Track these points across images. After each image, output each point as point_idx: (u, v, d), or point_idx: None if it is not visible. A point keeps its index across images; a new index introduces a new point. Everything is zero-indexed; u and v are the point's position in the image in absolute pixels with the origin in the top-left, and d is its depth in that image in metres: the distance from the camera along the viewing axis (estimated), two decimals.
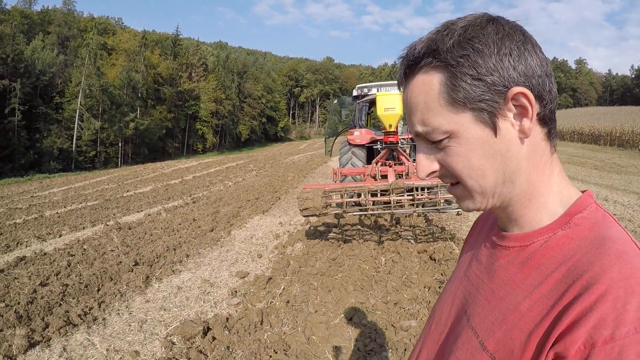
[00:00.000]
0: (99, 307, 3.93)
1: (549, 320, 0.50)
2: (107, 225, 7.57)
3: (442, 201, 4.93)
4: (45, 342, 3.27)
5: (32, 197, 13.65)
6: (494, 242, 0.65)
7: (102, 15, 57.51)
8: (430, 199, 5.02)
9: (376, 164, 6.44)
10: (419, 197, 4.98)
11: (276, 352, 3.10)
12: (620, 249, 0.50)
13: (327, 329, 3.47)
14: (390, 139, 6.43)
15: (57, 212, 9.60)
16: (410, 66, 0.59)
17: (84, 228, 7.60)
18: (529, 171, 0.57)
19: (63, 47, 42.04)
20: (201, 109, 52.70)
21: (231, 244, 6.24)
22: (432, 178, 0.62)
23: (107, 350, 3.20)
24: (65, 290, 4.17)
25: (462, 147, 0.57)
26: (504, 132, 0.56)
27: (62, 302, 3.92)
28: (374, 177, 6.11)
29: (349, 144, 7.58)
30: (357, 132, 7.72)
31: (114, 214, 8.98)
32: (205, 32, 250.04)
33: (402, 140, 6.65)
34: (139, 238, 6.51)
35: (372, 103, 8.48)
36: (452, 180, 0.61)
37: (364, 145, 7.53)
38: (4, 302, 3.86)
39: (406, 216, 7.24)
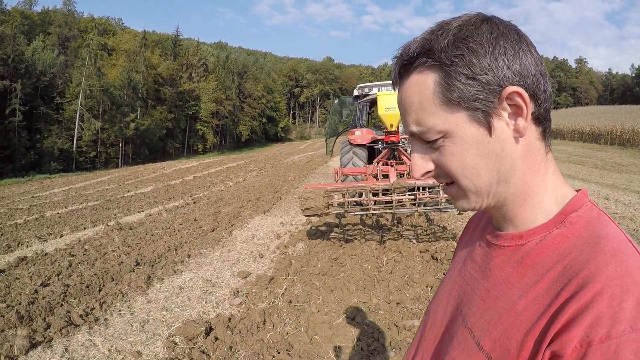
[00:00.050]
0: (101, 307, 3.92)
1: (545, 319, 0.50)
2: (108, 225, 7.56)
3: (443, 200, 4.92)
4: (46, 342, 3.26)
5: (32, 197, 13.64)
6: (488, 241, 0.65)
7: (102, 16, 57.58)
8: (431, 199, 5.01)
9: (377, 163, 6.43)
10: (421, 196, 4.97)
11: (279, 352, 3.09)
12: (616, 248, 0.50)
13: (329, 329, 3.46)
14: (392, 139, 6.42)
15: (58, 213, 9.59)
16: (404, 66, 0.59)
17: (85, 228, 7.59)
18: (523, 170, 0.57)
19: (63, 47, 42.06)
20: (201, 110, 52.72)
21: (232, 244, 6.23)
22: (428, 178, 0.62)
23: (109, 350, 3.19)
24: (67, 290, 4.17)
25: (457, 146, 0.56)
26: (499, 132, 0.56)
27: (63, 303, 3.91)
28: (376, 177, 6.10)
29: (350, 143, 7.57)
30: (358, 132, 7.71)
31: (115, 214, 8.98)
32: (205, 33, 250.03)
33: (403, 139, 6.64)
34: (140, 238, 6.50)
35: (373, 103, 8.47)
36: (447, 180, 0.60)
37: (365, 145, 7.53)
38: (5, 302, 3.85)
39: (407, 216, 7.22)
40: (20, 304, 3.76)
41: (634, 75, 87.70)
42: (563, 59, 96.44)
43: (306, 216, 5.09)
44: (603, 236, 0.52)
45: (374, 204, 5.19)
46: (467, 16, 0.57)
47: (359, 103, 8.66)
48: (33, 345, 3.19)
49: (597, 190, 9.81)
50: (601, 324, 0.44)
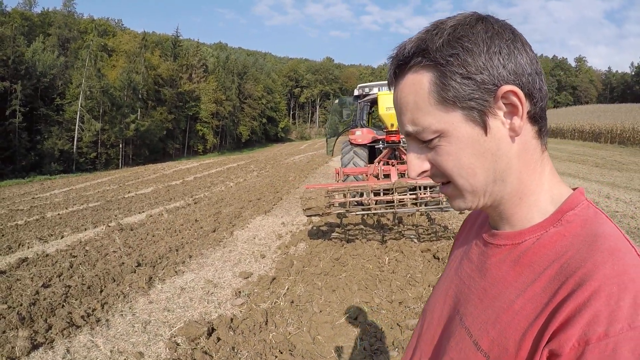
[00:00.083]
0: (102, 308, 3.91)
1: (543, 318, 0.49)
2: (109, 226, 7.56)
3: (444, 200, 4.91)
4: (48, 343, 3.25)
5: (33, 198, 13.64)
6: (485, 240, 0.65)
7: (102, 17, 57.55)
8: (433, 198, 5.00)
9: (379, 163, 6.42)
10: (422, 195, 4.96)
11: (282, 353, 3.08)
12: (613, 246, 0.50)
13: (332, 329, 3.45)
14: (392, 138, 6.42)
15: (59, 214, 9.59)
16: (400, 66, 0.59)
17: (85, 229, 7.59)
18: (519, 169, 0.57)
19: (63, 48, 42.06)
20: (201, 110, 52.72)
21: (234, 244, 6.22)
22: (424, 177, 0.62)
23: (110, 351, 3.18)
24: (68, 291, 4.16)
25: (453, 146, 0.56)
26: (494, 131, 0.55)
27: (64, 304, 3.90)
28: (377, 177, 6.09)
29: (351, 143, 7.56)
30: (358, 132, 7.70)
31: (116, 215, 8.97)
32: (205, 33, 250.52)
33: (404, 139, 6.62)
34: (141, 239, 6.49)
35: (374, 102, 8.47)
36: (443, 179, 0.60)
37: (365, 144, 7.52)
38: (6, 303, 3.84)
39: (408, 215, 7.21)
40: (21, 305, 3.75)
41: (633, 73, 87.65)
42: (563, 57, 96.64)
43: (308, 216, 5.08)
44: (600, 234, 0.52)
45: (375, 203, 5.18)
46: (462, 15, 0.57)
47: (360, 103, 8.65)
48: (34, 347, 3.18)
49: (598, 189, 9.80)
50: (599, 322, 0.44)
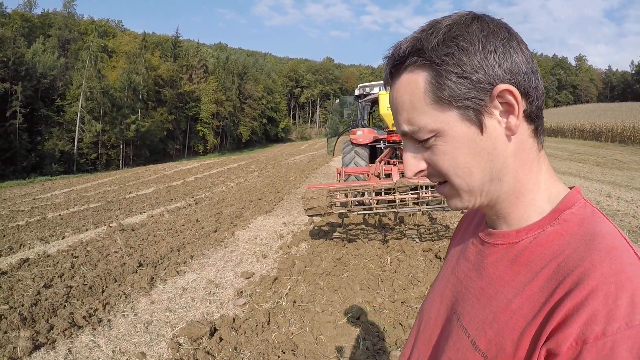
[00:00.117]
0: (104, 308, 3.90)
1: (540, 318, 0.49)
2: (110, 226, 7.55)
3: None
4: (50, 344, 3.24)
5: (34, 199, 13.65)
6: (482, 239, 0.65)
7: (102, 18, 57.72)
8: (434, 197, 4.99)
9: (380, 162, 6.41)
10: (424, 195, 4.95)
11: (284, 353, 3.07)
12: (610, 244, 0.49)
13: (334, 329, 3.44)
14: (394, 138, 6.41)
15: (60, 214, 9.58)
16: (395, 65, 0.58)
17: (87, 230, 7.58)
18: (516, 168, 0.57)
19: (64, 50, 42.11)
20: (202, 111, 52.77)
21: (235, 244, 6.21)
22: (420, 177, 0.61)
23: (112, 352, 3.18)
24: (70, 292, 4.15)
25: (449, 145, 0.56)
26: (490, 130, 0.55)
27: (66, 304, 3.89)
28: (378, 176, 6.08)
29: (352, 143, 7.55)
30: (359, 132, 7.69)
31: (117, 216, 8.97)
32: (205, 34, 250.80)
33: None
34: (143, 239, 6.48)
35: (375, 102, 8.47)
36: (440, 179, 0.60)
37: (366, 144, 7.51)
38: (7, 304, 3.83)
39: (410, 215, 7.20)
40: (23, 305, 3.74)
41: (633, 72, 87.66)
42: (563, 56, 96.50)
43: (309, 216, 5.08)
44: (597, 233, 0.51)
45: (377, 203, 5.17)
46: (458, 15, 0.57)
47: (360, 103, 8.65)
48: (36, 347, 3.17)
49: (599, 188, 9.78)
50: (596, 322, 0.44)
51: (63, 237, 7.05)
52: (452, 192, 0.60)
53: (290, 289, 4.28)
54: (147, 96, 45.55)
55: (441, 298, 0.70)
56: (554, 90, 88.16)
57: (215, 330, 3.39)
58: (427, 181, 4.80)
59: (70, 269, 4.93)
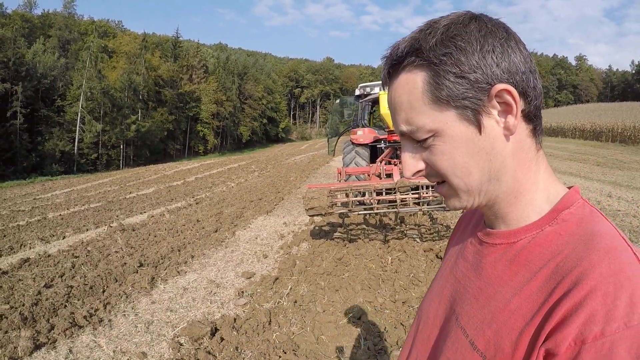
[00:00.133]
0: (105, 308, 3.89)
1: (539, 318, 0.49)
2: (111, 226, 7.55)
3: None
4: (50, 343, 3.24)
5: (34, 199, 13.65)
6: (480, 239, 0.65)
7: (103, 18, 57.71)
8: (435, 197, 4.98)
9: (381, 162, 6.40)
10: (425, 195, 4.94)
11: (285, 353, 3.06)
12: (609, 244, 0.49)
13: (336, 329, 3.43)
14: (394, 138, 6.40)
15: (60, 214, 9.58)
16: (393, 66, 0.58)
17: (87, 230, 7.58)
18: (514, 168, 0.57)
19: (64, 50, 42.13)
20: (202, 111, 52.79)
21: (236, 244, 6.21)
22: (419, 177, 0.61)
23: (113, 351, 3.17)
24: (70, 291, 4.15)
25: (447, 145, 0.56)
26: (489, 130, 0.55)
27: (67, 304, 3.89)
28: (379, 176, 6.08)
29: (352, 143, 7.55)
30: (360, 132, 7.68)
31: (117, 216, 8.97)
32: (205, 34, 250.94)
33: None
34: (143, 239, 6.48)
35: (375, 102, 8.46)
36: (438, 179, 0.60)
37: (367, 144, 7.50)
38: (8, 304, 3.83)
39: (411, 215, 7.20)
40: (23, 305, 3.74)
41: (634, 72, 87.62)
42: (563, 56, 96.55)
43: (310, 216, 5.07)
44: (596, 233, 0.51)
45: (378, 203, 5.17)
46: (456, 15, 0.57)
47: (361, 102, 8.64)
48: (37, 347, 3.17)
49: (600, 188, 9.77)
50: (595, 322, 0.44)
51: (64, 237, 7.05)
52: (450, 192, 0.60)
53: (291, 289, 4.28)
54: (147, 96, 45.58)
55: (439, 298, 0.69)
56: (554, 90, 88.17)
57: (216, 330, 3.39)
58: (427, 181, 4.79)
59: (70, 269, 4.93)
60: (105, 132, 38.11)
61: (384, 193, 5.31)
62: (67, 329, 3.41)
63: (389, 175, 6.06)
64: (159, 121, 45.61)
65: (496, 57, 0.54)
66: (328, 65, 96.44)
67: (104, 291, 4.30)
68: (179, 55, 54.57)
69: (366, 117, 8.75)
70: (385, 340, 3.24)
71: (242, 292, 4.28)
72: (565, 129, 31.54)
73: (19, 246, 6.46)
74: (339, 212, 5.20)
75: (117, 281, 4.55)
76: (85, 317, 3.63)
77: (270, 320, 3.57)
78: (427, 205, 5.13)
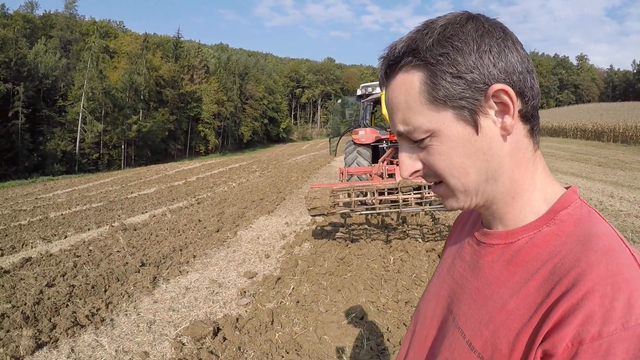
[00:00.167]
0: (107, 307, 3.89)
1: (537, 318, 0.49)
2: (113, 226, 7.55)
3: None
4: (52, 343, 3.24)
5: (36, 199, 13.67)
6: (478, 239, 0.64)
7: (104, 19, 57.84)
8: (437, 197, 4.96)
9: (382, 162, 6.39)
10: (427, 195, 4.93)
11: (288, 352, 3.05)
12: (607, 245, 0.49)
13: (338, 329, 3.42)
14: (396, 138, 6.37)
15: (62, 214, 9.59)
16: (390, 66, 0.58)
17: (89, 229, 7.58)
18: (512, 169, 0.57)
19: (65, 50, 42.19)
20: (203, 111, 52.83)
21: (238, 244, 6.20)
22: (416, 177, 0.61)
23: (115, 351, 3.17)
24: (72, 291, 4.14)
25: (444, 145, 0.56)
26: (486, 130, 0.55)
27: (69, 303, 3.89)
28: (381, 176, 6.07)
29: (354, 143, 7.53)
30: (362, 132, 7.67)
31: (119, 215, 8.97)
32: (206, 34, 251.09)
33: None
34: (145, 239, 6.48)
35: (377, 102, 8.45)
36: (436, 179, 0.60)
37: (369, 144, 7.49)
38: (10, 303, 3.83)
39: (412, 215, 7.18)
40: (25, 304, 3.74)
41: (635, 71, 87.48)
42: (564, 56, 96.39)
43: (312, 216, 5.06)
44: (594, 234, 0.51)
45: (380, 203, 5.16)
46: (453, 15, 0.56)
47: (363, 102, 8.62)
48: (39, 346, 3.17)
49: (602, 188, 9.74)
50: (593, 323, 0.44)
51: (65, 237, 7.05)
52: (447, 193, 0.60)
53: (293, 288, 4.27)
54: (148, 96, 45.64)
55: (437, 298, 0.69)
56: (556, 90, 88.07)
57: (219, 329, 3.38)
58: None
59: (72, 268, 4.93)
60: (106, 132, 38.17)
61: (386, 193, 5.30)
62: (69, 328, 3.40)
63: (391, 175, 6.05)
64: (160, 121, 45.66)
65: (493, 57, 0.54)
66: (329, 65, 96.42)
67: (105, 290, 4.29)
68: (180, 55, 54.63)
69: (368, 117, 8.73)
70: (388, 340, 3.22)
71: (245, 291, 4.27)
72: (566, 129, 31.45)
73: (21, 245, 6.46)
74: (341, 212, 5.19)
75: (119, 281, 4.55)
76: (87, 316, 3.62)
77: (273, 320, 3.57)
78: (429, 205, 5.12)
